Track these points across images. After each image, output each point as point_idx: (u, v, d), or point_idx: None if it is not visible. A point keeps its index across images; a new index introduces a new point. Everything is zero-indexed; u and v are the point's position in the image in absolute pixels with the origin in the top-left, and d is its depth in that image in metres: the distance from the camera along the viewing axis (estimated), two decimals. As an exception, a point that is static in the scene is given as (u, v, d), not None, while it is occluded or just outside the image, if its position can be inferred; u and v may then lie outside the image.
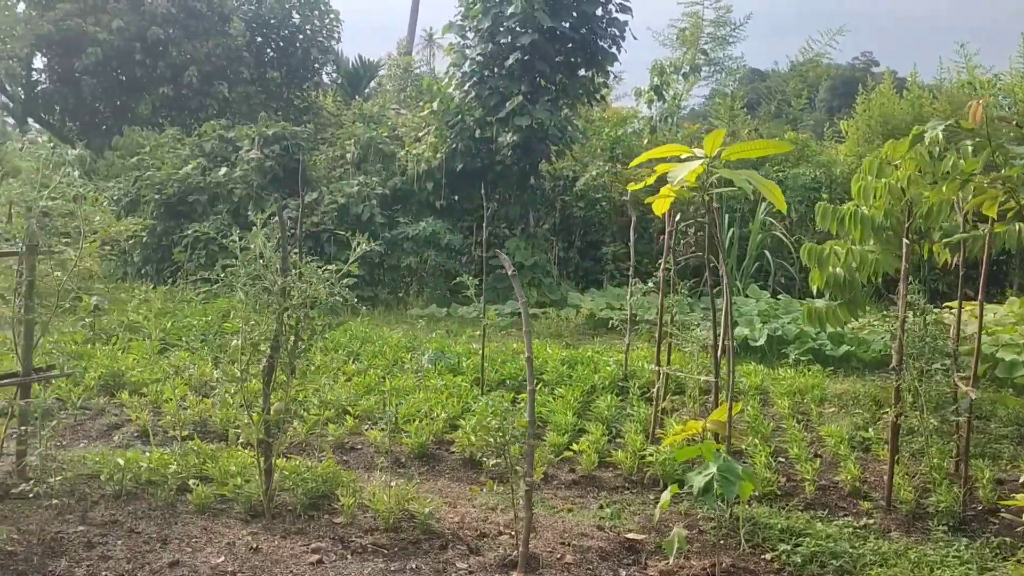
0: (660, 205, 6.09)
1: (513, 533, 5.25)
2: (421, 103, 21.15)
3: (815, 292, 7.69)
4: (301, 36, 29.73)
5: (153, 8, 25.30)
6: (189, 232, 15.57)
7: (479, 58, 15.63)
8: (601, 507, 6.04)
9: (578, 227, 17.73)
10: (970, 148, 5.51)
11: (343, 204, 15.77)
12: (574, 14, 15.52)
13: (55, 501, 5.35)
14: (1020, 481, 5.91)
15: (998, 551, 5.32)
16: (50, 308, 5.82)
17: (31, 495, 5.47)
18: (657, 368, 7.26)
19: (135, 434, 7.26)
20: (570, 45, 15.79)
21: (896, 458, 6.20)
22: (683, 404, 8.20)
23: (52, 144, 5.45)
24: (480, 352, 9.45)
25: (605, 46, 15.96)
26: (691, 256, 8.03)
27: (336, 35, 31.00)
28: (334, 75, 32.58)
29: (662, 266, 7.21)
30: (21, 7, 28.22)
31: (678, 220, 7.58)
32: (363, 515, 5.47)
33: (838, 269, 7.26)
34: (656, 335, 7.65)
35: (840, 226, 7.30)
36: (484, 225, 9.48)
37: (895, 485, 6.14)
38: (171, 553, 4.86)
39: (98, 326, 9.44)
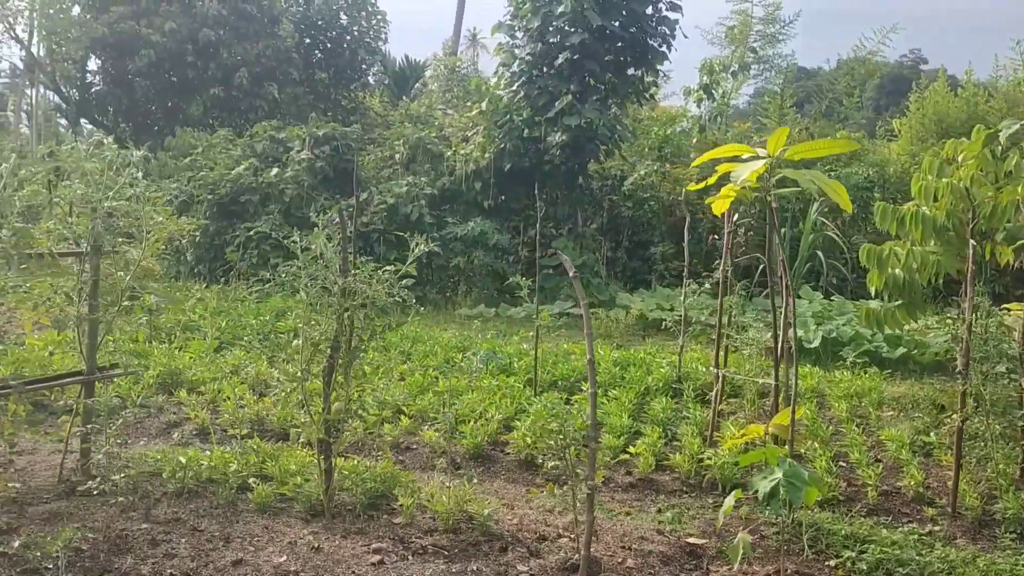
0: (720, 205, 6.02)
1: (573, 536, 5.22)
2: (469, 103, 21.19)
3: (874, 294, 7.55)
4: (348, 37, 29.94)
5: (204, 10, 25.61)
6: (241, 232, 15.75)
7: (528, 57, 15.62)
8: (660, 511, 5.99)
9: (626, 227, 17.62)
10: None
11: (392, 204, 15.84)
12: (624, 13, 15.45)
13: (120, 499, 5.42)
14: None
15: (1070, 561, 5.19)
16: (113, 307, 5.89)
17: (95, 492, 5.55)
18: (715, 371, 7.18)
19: (193, 432, 7.35)
20: (619, 44, 15.72)
21: (960, 463, 6.07)
22: (739, 407, 8.11)
23: (117, 146, 5.50)
24: (531, 353, 9.46)
25: (655, 45, 15.86)
26: (749, 257, 7.92)
27: (383, 36, 31.20)
28: (381, 76, 32.74)
29: (722, 267, 7.11)
30: (76, 10, 28.76)
31: (735, 220, 7.48)
32: (422, 516, 5.48)
33: (897, 270, 7.13)
34: (714, 337, 7.57)
35: (900, 226, 7.18)
36: (537, 225, 9.42)
37: (960, 491, 6.01)
38: (234, 552, 4.90)
39: (156, 325, 9.57)
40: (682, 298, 9.13)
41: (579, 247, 15.87)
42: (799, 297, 14.25)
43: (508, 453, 7.00)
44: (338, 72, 29.85)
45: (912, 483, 6.32)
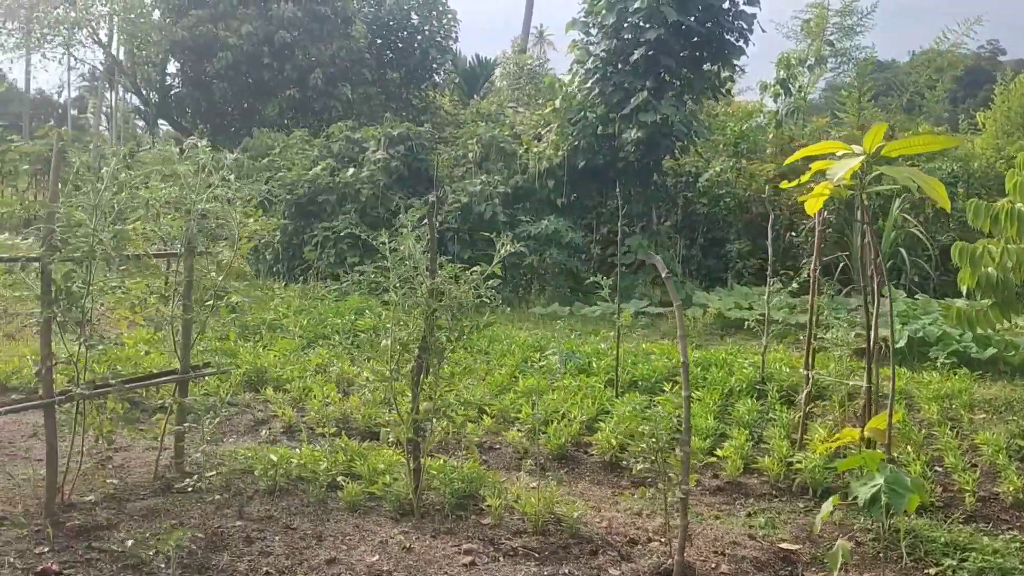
0: (813, 204, 5.89)
1: (664, 540, 5.17)
2: (540, 101, 21.16)
3: (965, 293, 7.32)
4: (419, 37, 30.18)
5: (280, 13, 26.04)
6: (319, 231, 15.98)
7: (603, 54, 15.53)
8: (749, 515, 5.89)
9: (701, 224, 17.41)
10: None
11: (466, 203, 15.88)
12: (700, 8, 15.24)
13: (217, 496, 5.52)
14: None
15: None
16: (207, 308, 6.00)
17: (190, 490, 5.66)
18: (805, 372, 7.03)
19: (280, 430, 7.45)
20: (695, 39, 15.51)
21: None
22: (827, 409, 7.94)
23: (210, 148, 5.61)
24: (609, 352, 9.41)
25: (731, 39, 15.62)
26: (836, 255, 7.74)
27: (453, 35, 31.40)
28: (451, 75, 32.90)
29: (812, 265, 6.96)
30: (156, 14, 29.51)
31: (822, 218, 7.31)
32: (510, 517, 5.46)
33: (991, 269, 6.90)
34: (801, 337, 7.41)
35: (994, 224, 6.95)
36: (620, 224, 9.35)
37: (1062, 499, 5.80)
38: (327, 550, 4.95)
39: (242, 324, 9.75)
40: (765, 297, 8.96)
41: (654, 245, 15.73)
42: (882, 295, 13.92)
43: (592, 454, 6.95)
44: (409, 72, 30.11)
45: (1011, 489, 6.11)
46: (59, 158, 5.11)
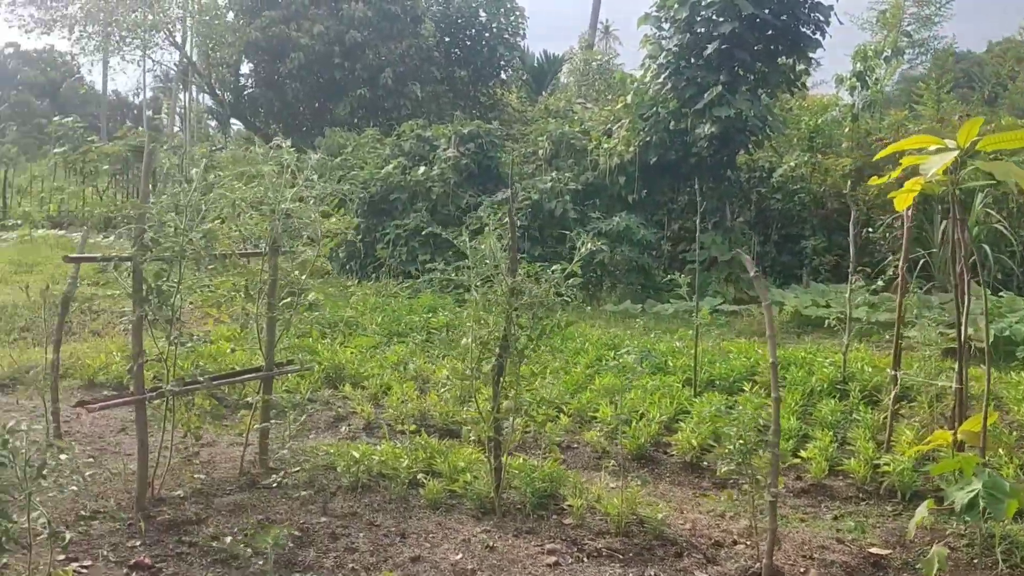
0: (903, 199, 5.74)
1: (750, 543, 5.08)
2: (610, 96, 21.03)
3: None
4: (487, 34, 30.22)
5: (351, 12, 26.29)
6: (391, 229, 16.12)
7: (675, 48, 15.37)
8: (836, 518, 5.77)
9: (775, 220, 17.13)
10: None
11: (536, 200, 15.85)
12: (775, 0, 14.98)
13: (304, 493, 5.58)
14: None
15: None
16: (290, 306, 6.07)
17: (274, 485, 5.75)
18: (892, 372, 6.85)
19: (360, 427, 7.51)
20: (770, 32, 15.27)
21: None
22: (913, 410, 7.72)
23: (294, 148, 5.69)
24: (685, 351, 9.30)
25: (808, 32, 15.33)
26: (924, 252, 7.52)
27: (521, 32, 31.35)
28: (519, 71, 32.88)
29: (901, 262, 6.77)
30: (230, 16, 30.06)
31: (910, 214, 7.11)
32: (591, 517, 5.43)
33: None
34: (888, 337, 7.23)
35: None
36: (697, 220, 9.19)
37: None
38: (411, 548, 4.97)
39: (323, 321, 9.88)
40: (847, 294, 8.76)
41: (727, 241, 15.51)
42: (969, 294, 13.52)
43: (671, 455, 6.87)
44: (476, 69, 30.18)
45: (1111, 495, 5.86)
46: (150, 159, 5.21)
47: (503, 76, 31.93)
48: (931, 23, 24.43)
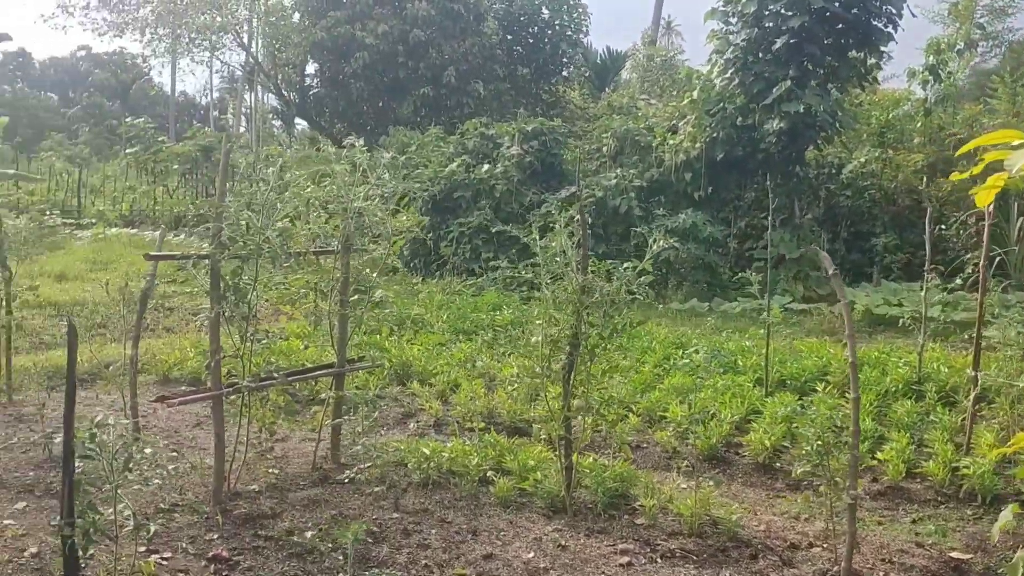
0: (985, 196, 5.54)
1: (826, 546, 4.99)
2: (674, 92, 20.84)
3: None
4: (550, 31, 30.18)
5: (415, 11, 26.46)
6: (454, 227, 16.20)
7: (743, 43, 15.17)
8: (914, 521, 5.63)
9: (844, 217, 16.82)
10: None
11: (600, 197, 15.79)
12: (846, -7, 14.73)
13: (377, 489, 5.63)
14: None
15: None
16: (362, 303, 6.12)
17: (347, 481, 5.80)
18: (972, 373, 6.66)
19: (428, 423, 7.54)
20: (840, 26, 14.97)
21: None
22: (993, 412, 7.50)
23: (366, 148, 5.74)
24: (755, 350, 9.19)
25: (879, 25, 15.01)
26: (1005, 250, 7.30)
27: (584, 28, 31.25)
28: (581, 68, 32.75)
29: (981, 261, 6.58)
30: (296, 17, 30.48)
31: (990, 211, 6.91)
32: (664, 517, 5.37)
33: None
34: (968, 337, 7.03)
35: None
36: (769, 217, 9.06)
37: None
38: (483, 545, 4.97)
39: (392, 319, 9.95)
40: (923, 293, 8.55)
41: (796, 239, 15.26)
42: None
43: (743, 455, 6.77)
44: (539, 67, 30.16)
45: None
46: (226, 159, 5.29)
47: (565, 73, 31.85)
48: (1004, 15, 23.77)
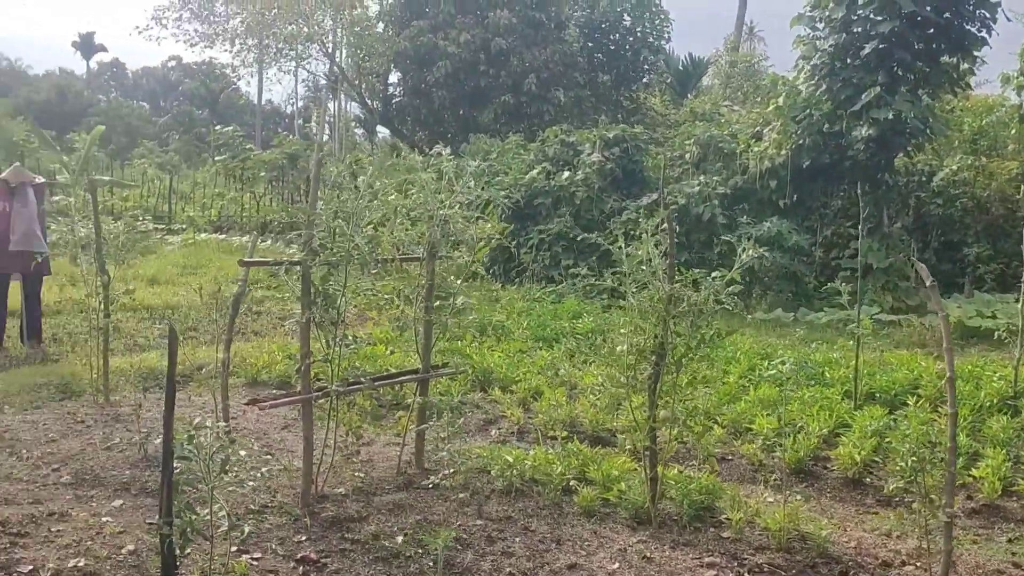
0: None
1: (919, 564, 4.85)
2: (758, 99, 20.55)
3: None
4: (631, 38, 30.07)
5: (496, 20, 26.64)
6: (534, 234, 16.23)
7: (830, 49, 14.90)
8: (1011, 540, 5.44)
9: (935, 226, 16.38)
10: None
11: (683, 204, 15.66)
12: (938, -3, 14.35)
13: (461, 495, 5.66)
14: None
15: None
16: (446, 309, 6.17)
17: (431, 486, 5.85)
18: (1075, 389, 6.41)
19: (509, 430, 7.56)
20: (932, 30, 14.59)
21: None
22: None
23: (452, 156, 5.83)
24: (842, 362, 8.99)
25: (972, 30, 14.58)
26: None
27: (666, 35, 31.06)
28: (663, 74, 32.56)
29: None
30: (380, 27, 30.96)
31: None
32: (750, 531, 5.29)
33: None
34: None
35: None
36: (860, 226, 8.86)
37: None
38: (567, 555, 4.95)
39: (475, 325, 10.01)
40: (1019, 305, 8.26)
41: (884, 248, 14.89)
42: None
43: (832, 470, 6.63)
44: (619, 74, 30.07)
45: None
46: (318, 168, 5.40)
47: (646, 80, 31.69)
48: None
